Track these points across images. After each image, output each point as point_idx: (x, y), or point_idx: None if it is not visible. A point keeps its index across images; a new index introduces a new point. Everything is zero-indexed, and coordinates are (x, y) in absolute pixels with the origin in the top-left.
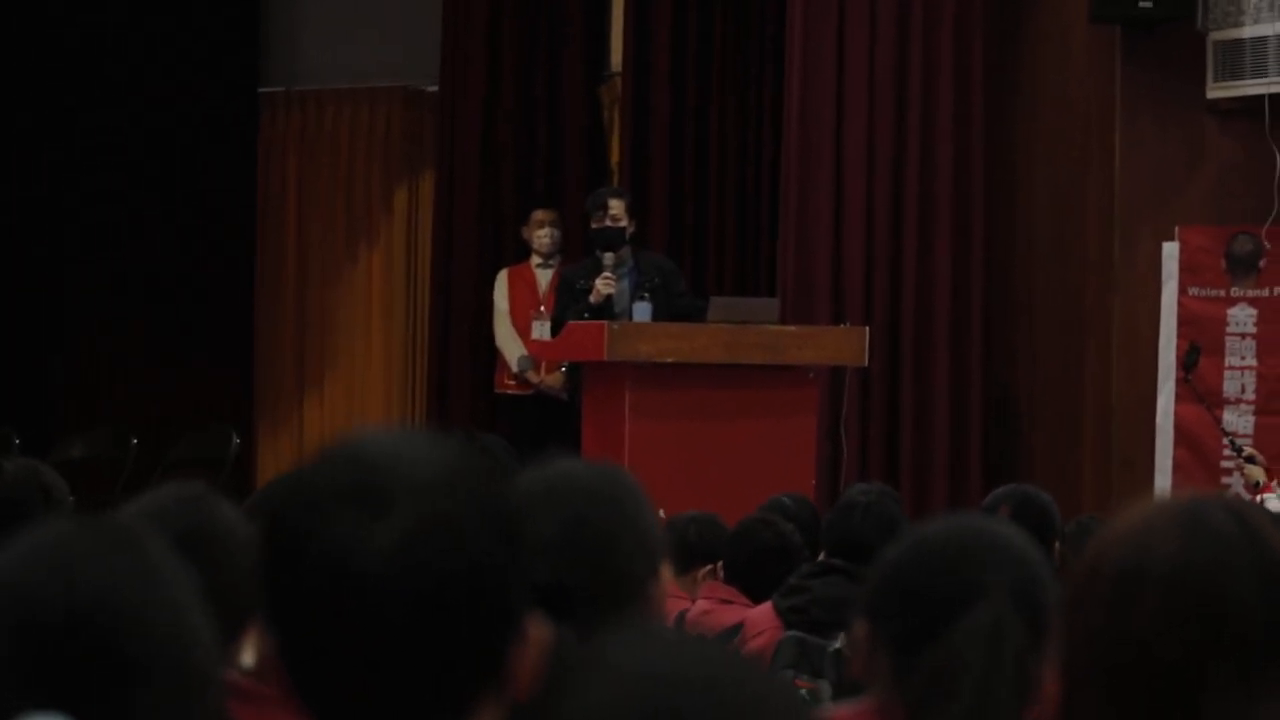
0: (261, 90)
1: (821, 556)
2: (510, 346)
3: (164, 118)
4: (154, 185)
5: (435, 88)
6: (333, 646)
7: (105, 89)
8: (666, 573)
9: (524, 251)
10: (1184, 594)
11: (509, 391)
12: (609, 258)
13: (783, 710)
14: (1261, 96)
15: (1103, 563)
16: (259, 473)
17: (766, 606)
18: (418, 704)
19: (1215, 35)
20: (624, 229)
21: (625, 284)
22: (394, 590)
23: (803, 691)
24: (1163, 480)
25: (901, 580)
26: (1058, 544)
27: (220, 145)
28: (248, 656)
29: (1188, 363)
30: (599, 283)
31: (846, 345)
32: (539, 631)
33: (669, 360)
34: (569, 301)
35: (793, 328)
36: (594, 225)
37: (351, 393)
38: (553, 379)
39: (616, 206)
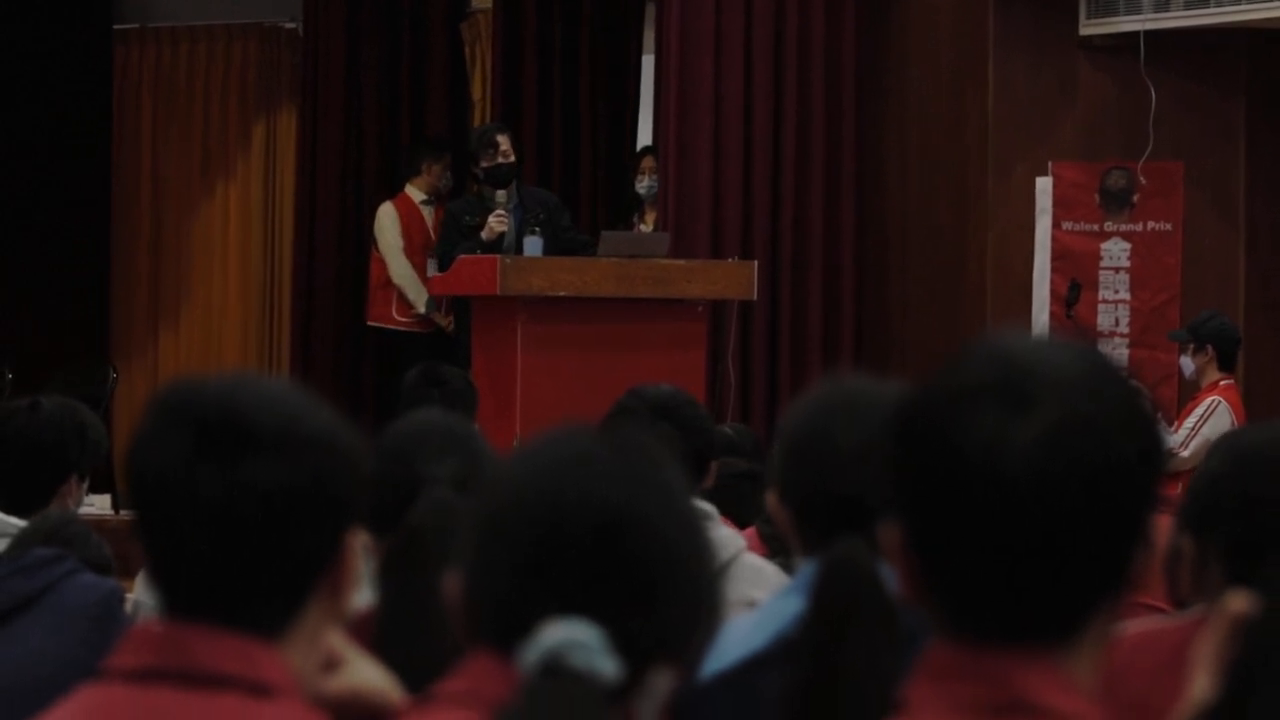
0: (116, 27)
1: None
2: (412, 285)
3: (16, 55)
4: (7, 122)
5: (292, 24)
6: (969, 540)
7: None
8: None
9: (395, 186)
10: None
11: (399, 327)
12: (501, 195)
13: None
14: (1136, 33)
15: None
16: (114, 409)
17: (750, 532)
18: (1045, 602)
19: None
20: (514, 165)
21: (511, 219)
22: (1035, 486)
23: None
24: None
25: (1231, 489)
26: None
27: (74, 83)
28: None
29: (1070, 299)
30: (492, 220)
31: (735, 279)
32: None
33: (561, 294)
34: (457, 238)
35: (682, 262)
36: (484, 164)
37: (209, 328)
38: (448, 320)
39: (505, 142)
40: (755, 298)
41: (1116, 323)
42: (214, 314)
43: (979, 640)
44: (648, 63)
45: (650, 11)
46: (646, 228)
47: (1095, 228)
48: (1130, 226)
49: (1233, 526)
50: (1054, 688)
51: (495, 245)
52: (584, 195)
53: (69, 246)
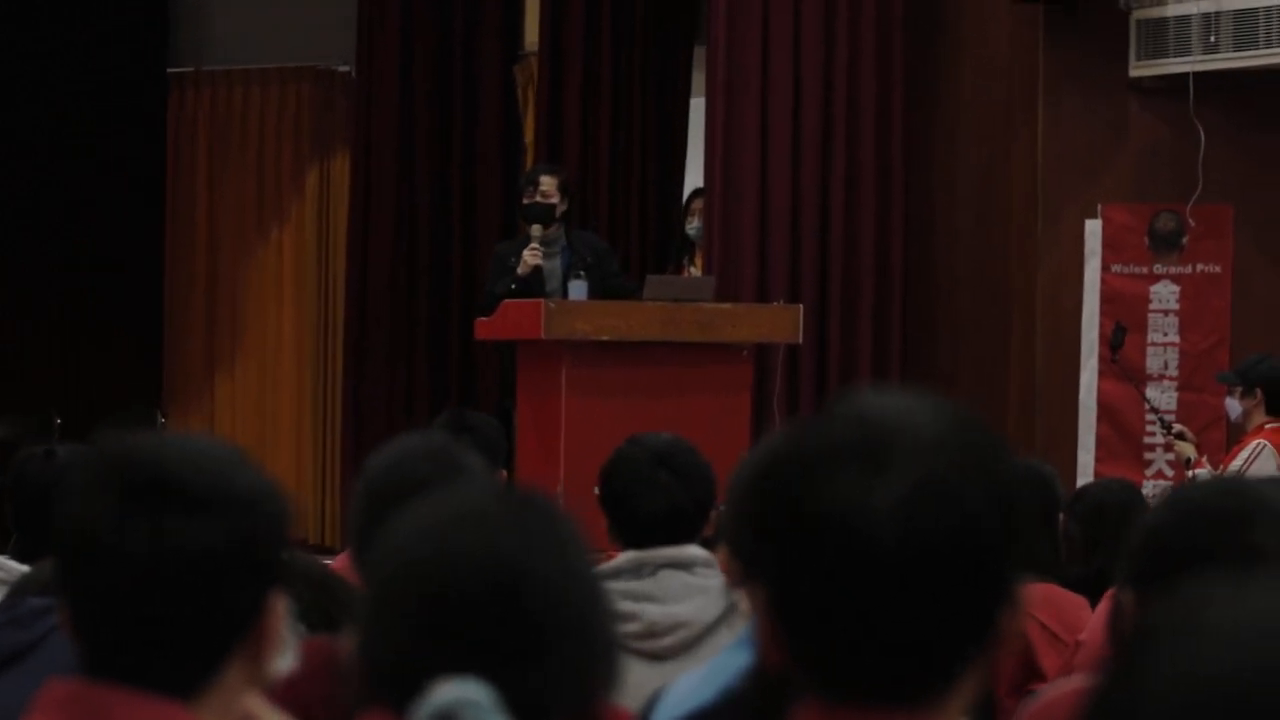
0: (171, 70)
1: None
2: None
3: (72, 97)
4: (63, 165)
5: (346, 67)
6: (831, 603)
7: (12, 68)
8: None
9: (448, 229)
10: None
11: None
12: (536, 229)
13: None
14: (1185, 75)
15: None
16: None
17: None
18: (908, 664)
19: (1138, 14)
20: (553, 206)
21: (558, 263)
22: (895, 549)
23: None
24: (1086, 456)
25: (1169, 544)
26: (1061, 515)
27: (129, 125)
28: None
29: (1114, 342)
30: (526, 254)
31: (780, 323)
32: (1020, 595)
33: (605, 338)
34: (500, 277)
35: (727, 305)
36: (524, 200)
37: (263, 371)
38: None
39: (548, 183)
40: (801, 341)
41: (1165, 365)
42: (269, 358)
43: (846, 701)
44: (697, 105)
45: (700, 55)
46: (696, 270)
47: (1144, 270)
48: (1179, 269)
49: (1171, 581)
50: None
51: (535, 283)
52: (632, 238)
53: (123, 290)
